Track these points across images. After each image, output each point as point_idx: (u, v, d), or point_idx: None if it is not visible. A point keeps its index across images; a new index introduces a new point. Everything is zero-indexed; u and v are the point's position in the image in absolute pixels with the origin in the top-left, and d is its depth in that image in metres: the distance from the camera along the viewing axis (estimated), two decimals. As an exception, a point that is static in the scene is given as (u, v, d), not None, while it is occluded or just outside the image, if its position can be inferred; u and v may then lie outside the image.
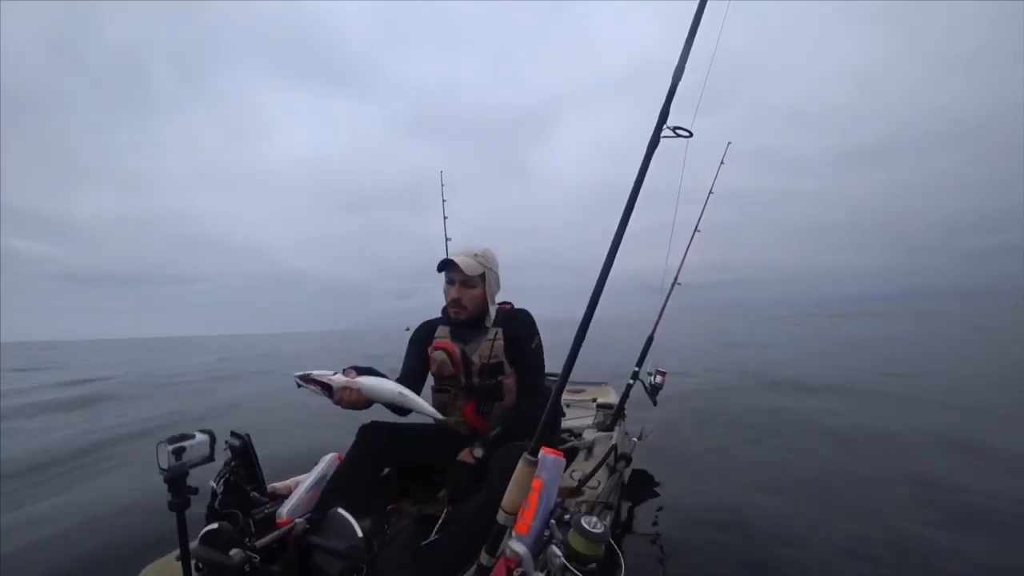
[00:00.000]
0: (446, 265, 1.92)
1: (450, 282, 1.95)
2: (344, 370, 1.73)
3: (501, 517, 1.27)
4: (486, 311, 2.00)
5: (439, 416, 1.77)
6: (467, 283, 1.93)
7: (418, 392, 2.00)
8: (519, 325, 1.99)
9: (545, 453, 1.37)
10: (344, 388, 1.66)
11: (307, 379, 1.64)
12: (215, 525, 1.40)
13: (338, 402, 1.67)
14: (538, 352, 1.99)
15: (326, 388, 1.65)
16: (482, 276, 1.96)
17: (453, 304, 1.95)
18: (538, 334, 2.00)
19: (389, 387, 1.73)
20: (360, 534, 1.39)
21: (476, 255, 1.95)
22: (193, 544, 1.32)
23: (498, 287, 2.05)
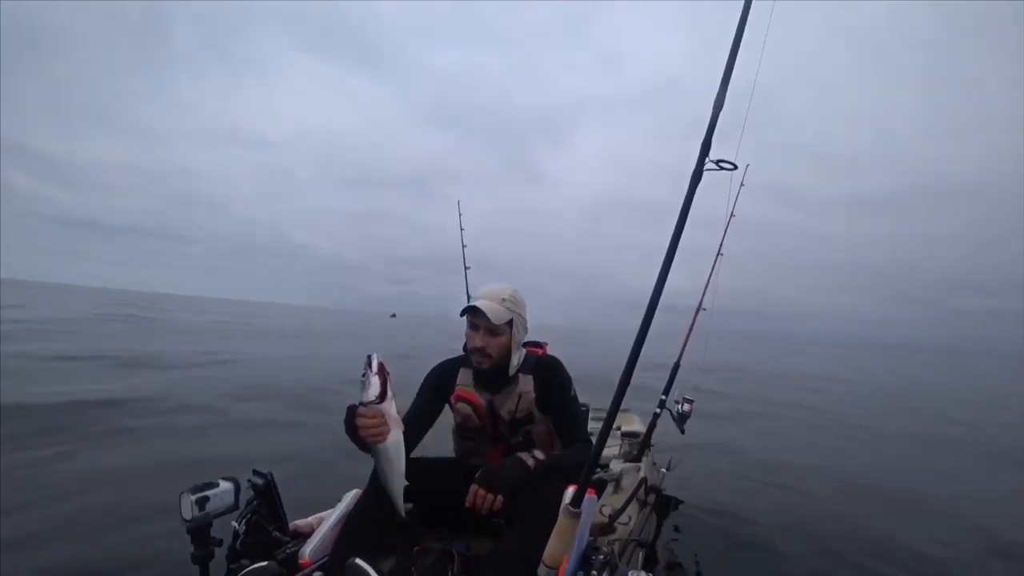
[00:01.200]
0: (471, 310, 1.76)
1: (473, 327, 1.80)
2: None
3: (543, 572, 1.21)
4: (510, 358, 1.85)
5: (402, 513, 1.59)
6: (493, 331, 1.78)
7: (424, 431, 1.84)
8: (553, 376, 1.87)
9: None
10: (384, 415, 1.40)
11: (381, 370, 1.39)
12: (264, 564, 1.34)
13: (367, 420, 1.39)
14: (576, 402, 1.87)
15: (381, 394, 1.39)
16: (509, 323, 1.81)
17: (477, 352, 1.80)
18: (572, 383, 1.88)
19: (399, 466, 1.50)
20: None
21: (504, 299, 1.79)
22: None
23: (525, 332, 1.91)
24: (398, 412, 1.48)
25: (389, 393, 1.39)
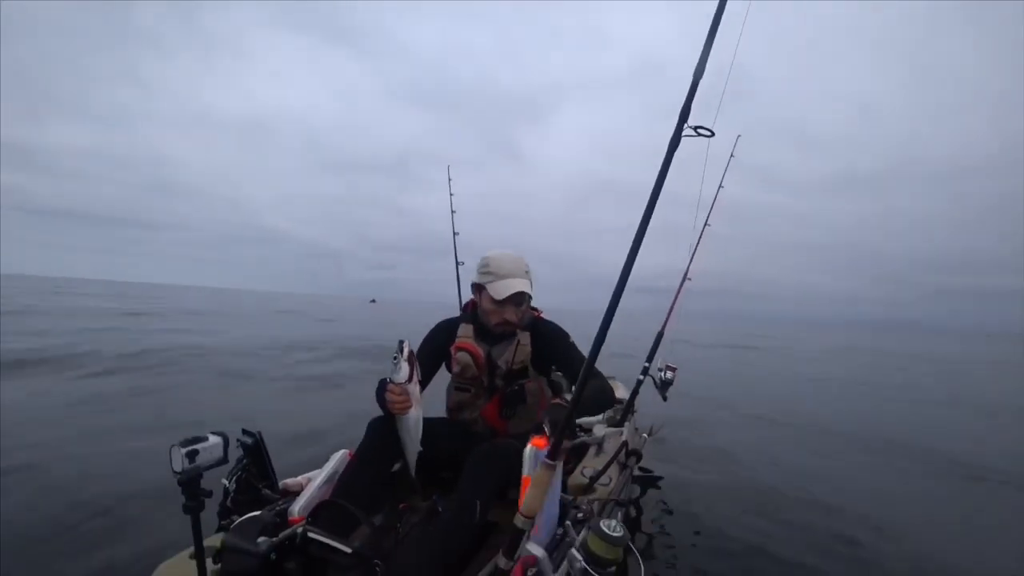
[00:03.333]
0: (518, 295, 1.82)
1: (502, 304, 1.85)
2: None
3: (519, 521, 1.27)
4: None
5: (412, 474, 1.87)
6: (522, 302, 1.87)
7: (425, 385, 1.94)
8: (552, 331, 1.95)
9: (538, 448, 1.34)
10: (409, 393, 1.65)
11: (411, 357, 1.63)
12: (257, 513, 1.41)
13: (395, 396, 1.62)
14: (577, 347, 1.94)
15: (409, 377, 1.63)
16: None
17: (506, 324, 1.88)
18: (568, 334, 1.97)
19: (416, 436, 1.75)
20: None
21: (527, 270, 1.87)
22: (220, 535, 1.34)
23: None
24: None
25: (415, 377, 1.67)
